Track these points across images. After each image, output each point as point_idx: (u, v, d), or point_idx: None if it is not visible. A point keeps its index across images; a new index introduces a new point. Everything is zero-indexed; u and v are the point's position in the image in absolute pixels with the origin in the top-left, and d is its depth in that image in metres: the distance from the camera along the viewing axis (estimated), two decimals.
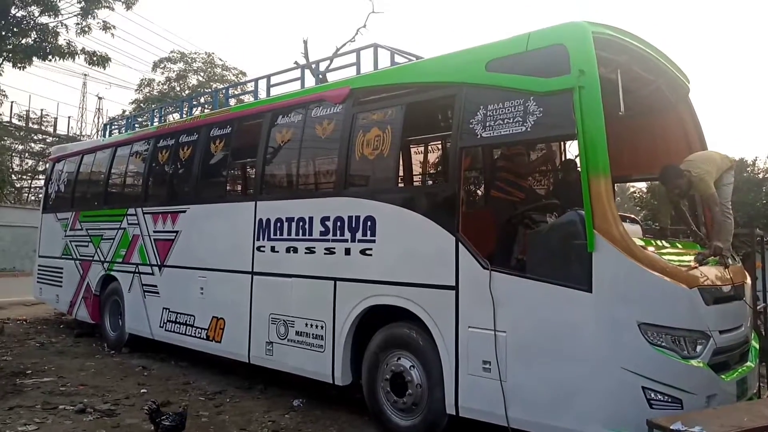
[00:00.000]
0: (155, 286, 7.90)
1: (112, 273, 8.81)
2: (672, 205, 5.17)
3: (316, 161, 6.21)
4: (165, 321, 7.65)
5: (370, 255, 5.19)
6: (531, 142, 4.77)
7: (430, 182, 6.68)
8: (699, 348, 3.93)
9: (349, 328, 5.34)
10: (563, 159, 6.12)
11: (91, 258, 9.26)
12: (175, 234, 7.58)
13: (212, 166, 7.33)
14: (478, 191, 6.60)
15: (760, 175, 19.11)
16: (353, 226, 5.35)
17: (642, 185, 20.65)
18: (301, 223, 5.86)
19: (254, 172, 6.53)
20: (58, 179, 10.92)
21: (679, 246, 4.98)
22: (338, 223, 5.49)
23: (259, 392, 6.54)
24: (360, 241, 5.28)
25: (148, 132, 8.82)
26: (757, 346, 4.92)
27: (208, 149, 7.34)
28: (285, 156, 6.40)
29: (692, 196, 5.55)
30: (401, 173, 5.76)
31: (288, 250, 5.97)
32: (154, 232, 7.96)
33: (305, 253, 5.78)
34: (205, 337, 6.98)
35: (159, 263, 7.81)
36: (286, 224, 6.02)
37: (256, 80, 7.48)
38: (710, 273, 4.37)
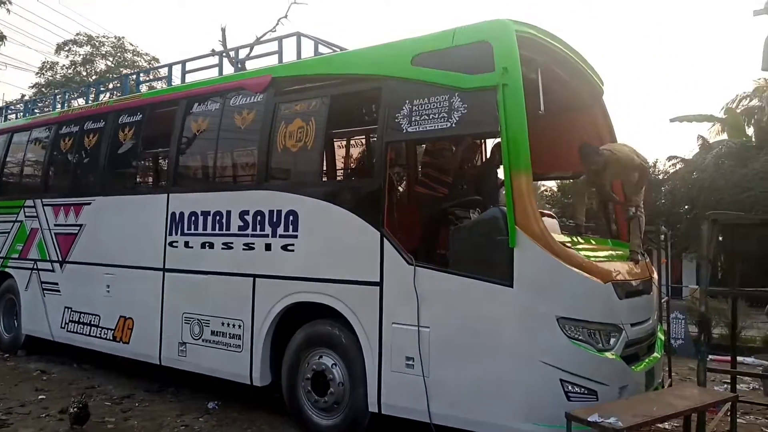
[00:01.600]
0: (56, 283, 7.31)
1: (7, 270, 8.08)
2: (589, 200, 5.34)
3: (234, 152, 5.94)
4: (67, 321, 7.10)
5: (292, 251, 5.03)
6: (455, 138, 4.77)
7: (355, 177, 6.57)
8: (612, 341, 4.08)
9: (269, 326, 5.15)
10: (487, 156, 6.19)
11: None
12: (78, 228, 7.03)
13: (121, 156, 6.85)
14: (403, 186, 6.57)
15: (660, 177, 20.43)
16: (274, 220, 5.16)
17: (552, 184, 21.59)
18: (218, 218, 5.59)
19: (167, 162, 6.17)
20: None
21: (593, 242, 5.18)
22: (258, 218, 5.27)
23: (171, 395, 6.21)
24: (281, 236, 5.10)
25: (50, 117, 8.14)
26: (663, 338, 5.19)
27: (116, 137, 6.86)
28: (201, 146, 6.09)
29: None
30: (325, 167, 5.63)
31: (203, 245, 5.68)
32: (55, 225, 7.36)
33: (222, 248, 5.52)
34: (111, 338, 6.53)
35: (60, 259, 7.23)
36: (201, 218, 5.72)
37: (170, 65, 7.07)
38: (622, 268, 4.56)
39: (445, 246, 4.55)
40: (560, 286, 3.88)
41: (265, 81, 5.47)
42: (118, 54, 27.46)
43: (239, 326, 5.36)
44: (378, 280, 4.49)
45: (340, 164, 6.76)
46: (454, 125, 4.22)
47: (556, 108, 5.55)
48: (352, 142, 6.54)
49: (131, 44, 27.73)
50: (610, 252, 5.04)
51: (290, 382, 5.09)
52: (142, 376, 6.66)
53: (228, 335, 5.44)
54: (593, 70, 5.53)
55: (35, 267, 7.60)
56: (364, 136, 6.29)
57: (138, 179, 6.81)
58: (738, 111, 19.11)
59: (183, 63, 6.84)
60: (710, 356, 9.24)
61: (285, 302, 5.07)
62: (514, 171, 3.94)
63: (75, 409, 4.98)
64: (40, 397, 5.98)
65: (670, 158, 20.54)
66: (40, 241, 7.54)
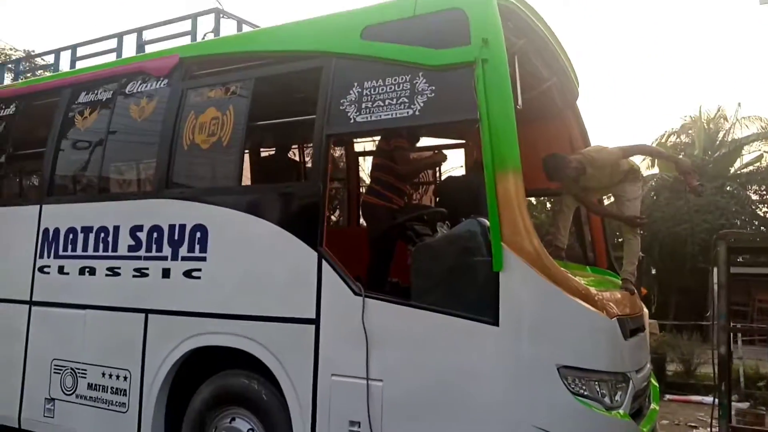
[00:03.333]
0: None
1: None
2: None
3: (128, 151, 4.68)
4: None
5: (198, 278, 3.82)
6: (419, 128, 3.78)
7: (286, 181, 5.39)
8: (620, 394, 3.12)
9: (164, 378, 3.88)
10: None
11: None
12: None
13: None
14: (350, 194, 5.46)
15: None
16: (176, 238, 3.94)
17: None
18: (102, 235, 4.29)
19: (42, 165, 4.82)
20: None
21: (573, 268, 4.27)
22: (155, 235, 4.04)
23: None
24: (184, 258, 3.89)
25: None
26: (657, 384, 4.32)
27: None
28: (86, 145, 4.78)
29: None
30: (246, 168, 4.46)
31: (82, 271, 4.35)
32: None
33: (107, 275, 4.21)
34: None
35: None
36: (81, 236, 4.39)
37: (57, 51, 5.73)
38: (618, 300, 3.66)
39: (406, 271, 3.50)
40: (562, 324, 2.90)
41: (172, 62, 4.30)
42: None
43: (125, 378, 4.04)
44: (313, 316, 3.38)
45: (266, 165, 5.55)
46: (417, 113, 3.24)
47: (524, 113, 4.72)
48: (283, 137, 5.32)
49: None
50: (596, 280, 4.16)
51: None
52: None
53: (110, 390, 4.11)
54: (572, 68, 4.73)
55: None
56: (299, 130, 5.05)
57: (4, 188, 5.37)
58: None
59: (73, 48, 5.54)
60: (667, 396, 8.78)
61: (186, 346, 3.83)
62: (500, 170, 2.97)
63: None
64: None
65: None
66: None
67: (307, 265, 3.41)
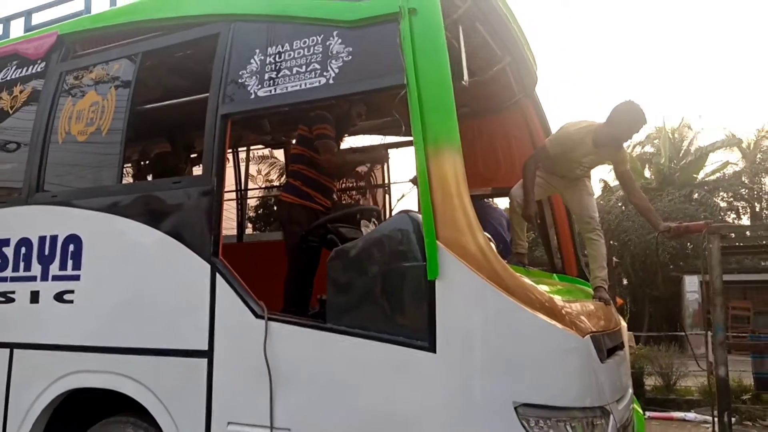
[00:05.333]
0: None
1: None
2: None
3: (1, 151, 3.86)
4: None
5: (71, 302, 3.03)
6: (335, 100, 3.07)
7: (173, 175, 4.57)
8: None
9: (31, 429, 3.06)
10: None
11: None
12: None
13: None
14: (255, 191, 4.69)
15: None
16: (46, 253, 3.15)
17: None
18: None
19: None
20: None
21: (537, 276, 3.60)
22: (23, 250, 3.24)
23: None
24: (56, 278, 3.09)
25: None
26: (641, 411, 3.64)
27: None
28: None
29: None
30: (127, 163, 3.68)
31: None
32: None
33: None
34: None
35: None
36: None
37: None
38: (590, 313, 2.98)
39: (321, 286, 2.77)
40: (519, 347, 2.19)
41: (49, 41, 3.54)
42: None
43: None
44: (205, 347, 2.62)
45: (150, 158, 4.76)
46: (331, 81, 2.55)
47: (482, 96, 4.08)
48: (172, 121, 4.52)
49: None
50: (563, 288, 3.48)
51: None
52: None
53: None
54: (529, 47, 4.09)
55: None
56: (191, 111, 4.24)
57: None
58: (634, 156, 19.17)
59: None
60: (647, 413, 8.16)
61: (59, 388, 3.01)
62: (431, 145, 2.28)
63: None
64: None
65: None
66: None
67: (198, 281, 2.66)
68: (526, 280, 2.36)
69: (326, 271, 2.50)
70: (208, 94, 2.88)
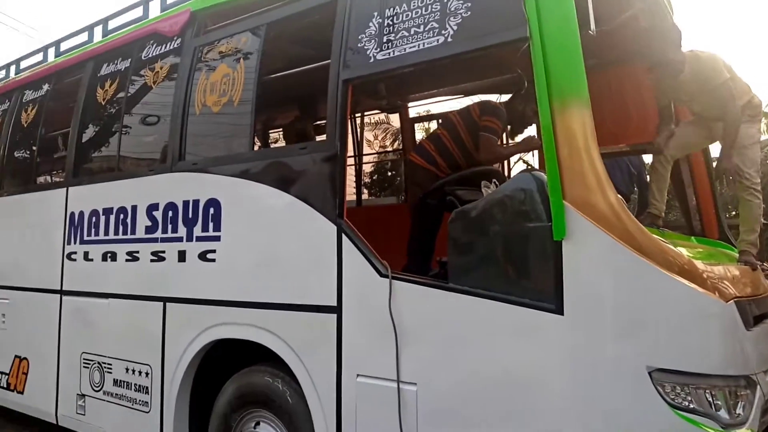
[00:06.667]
0: None
1: None
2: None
3: (145, 123, 4.25)
4: None
5: (213, 260, 3.32)
6: (453, 60, 3.01)
7: (299, 142, 4.76)
8: (743, 406, 2.25)
9: (184, 375, 3.42)
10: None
11: None
12: None
13: (19, 143, 5.24)
14: (380, 153, 4.77)
15: None
16: (190, 216, 3.45)
17: None
18: (122, 216, 3.90)
19: (68, 145, 4.52)
20: None
21: (673, 238, 3.36)
22: (170, 213, 3.57)
23: None
24: (199, 239, 3.40)
25: None
26: None
27: (18, 121, 5.23)
28: (107, 120, 4.42)
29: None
30: (257, 130, 3.88)
31: (105, 256, 3.99)
32: None
33: (126, 260, 3.83)
34: (5, 386, 4.84)
35: None
36: (103, 218, 4.03)
37: (90, 28, 5.43)
38: (735, 277, 2.75)
39: (444, 247, 2.79)
40: (655, 311, 2.08)
41: (183, 19, 3.80)
42: None
43: (146, 374, 3.64)
44: (334, 303, 2.76)
45: (278, 124, 4.97)
46: (450, 39, 2.51)
47: (609, 46, 3.80)
48: (297, 89, 4.69)
49: None
50: (704, 252, 3.23)
51: None
52: None
53: (133, 387, 3.73)
54: None
55: None
56: (315, 78, 4.37)
57: (37, 171, 5.17)
58: None
59: (104, 22, 5.20)
60: None
61: (205, 338, 3.34)
62: (557, 101, 2.19)
63: None
64: None
65: None
66: None
67: (325, 240, 2.79)
68: (663, 242, 2.22)
69: (448, 231, 2.52)
70: (329, 61, 2.96)
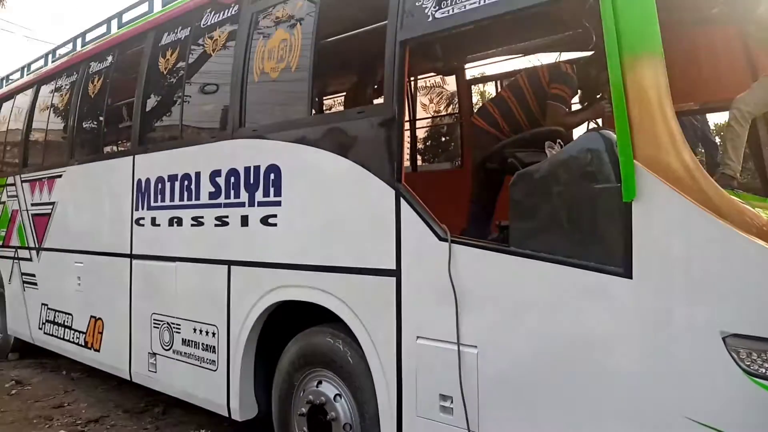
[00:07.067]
0: (33, 275, 6.05)
1: None
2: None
3: (205, 91, 4.33)
4: (44, 321, 5.82)
5: (275, 225, 3.39)
6: (517, 16, 2.90)
7: (356, 106, 4.74)
8: None
9: (249, 334, 3.55)
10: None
11: None
12: (51, 206, 5.71)
13: (88, 114, 5.46)
14: (439, 118, 4.69)
15: None
16: (251, 181, 3.53)
17: None
18: (186, 183, 4.02)
19: (133, 114, 4.67)
20: None
21: (749, 200, 3.18)
22: (232, 179, 3.66)
23: (153, 418, 4.75)
24: (261, 204, 3.47)
25: (28, 80, 6.87)
26: None
27: (86, 92, 5.44)
28: (169, 89, 4.53)
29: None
30: (315, 95, 3.87)
31: (171, 222, 4.15)
32: (32, 205, 6.09)
33: (192, 225, 3.96)
34: (83, 344, 5.17)
35: (36, 245, 5.95)
36: (168, 185, 4.18)
37: None
38: None
39: (504, 210, 2.75)
40: (730, 274, 1.99)
41: None
42: None
43: (213, 334, 3.80)
44: (393, 266, 2.77)
45: (336, 89, 4.96)
46: None
47: (687, 7, 3.57)
48: (354, 52, 4.65)
49: None
50: None
51: (282, 417, 3.48)
52: (135, 389, 5.22)
53: (201, 346, 3.90)
54: None
55: (16, 256, 6.38)
56: (372, 40, 4.30)
57: (105, 140, 5.38)
58: None
59: None
60: None
61: (268, 300, 3.45)
62: (628, 54, 2.08)
63: None
64: None
65: None
66: (20, 225, 6.31)
67: (384, 204, 2.79)
68: (740, 203, 2.11)
69: (510, 193, 2.47)
70: (386, 22, 2.91)
